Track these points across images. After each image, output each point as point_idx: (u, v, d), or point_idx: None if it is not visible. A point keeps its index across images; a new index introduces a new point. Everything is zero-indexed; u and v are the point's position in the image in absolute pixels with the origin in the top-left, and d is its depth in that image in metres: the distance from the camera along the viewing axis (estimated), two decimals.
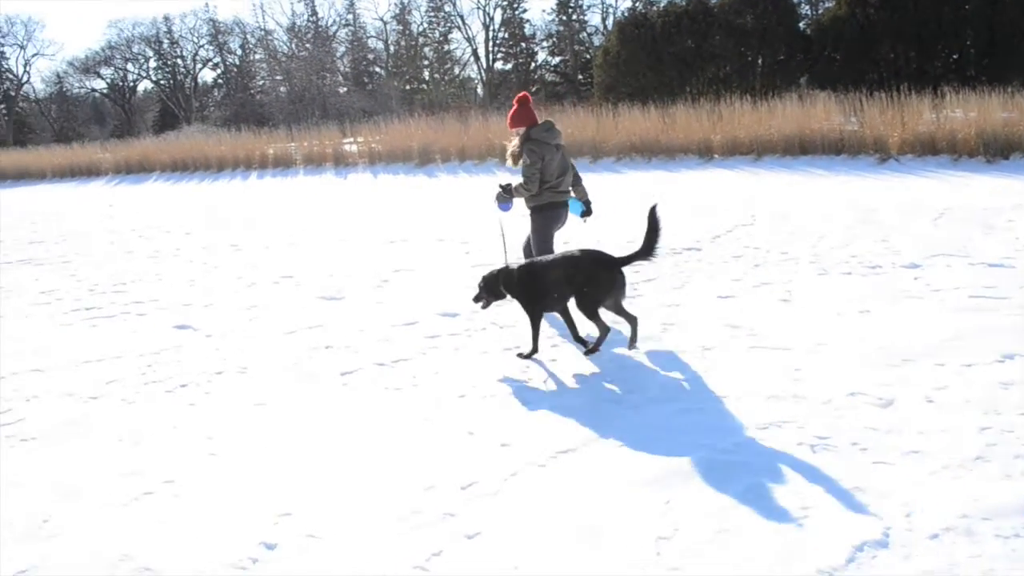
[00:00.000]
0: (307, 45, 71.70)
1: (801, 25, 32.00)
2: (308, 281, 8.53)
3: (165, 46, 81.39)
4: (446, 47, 75.97)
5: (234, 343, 6.35)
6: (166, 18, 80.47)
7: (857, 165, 15.66)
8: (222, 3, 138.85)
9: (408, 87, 74.47)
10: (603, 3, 69.04)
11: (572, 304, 5.45)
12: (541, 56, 73.89)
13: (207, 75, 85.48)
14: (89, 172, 31.69)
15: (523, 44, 72.82)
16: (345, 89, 71.48)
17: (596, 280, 5.30)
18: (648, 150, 19.53)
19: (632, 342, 5.43)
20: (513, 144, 6.48)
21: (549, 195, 6.36)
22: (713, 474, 3.68)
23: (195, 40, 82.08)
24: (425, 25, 75.42)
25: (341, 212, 15.01)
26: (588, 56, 68.38)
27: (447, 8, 74.05)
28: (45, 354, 6.47)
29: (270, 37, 76.78)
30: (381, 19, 76.11)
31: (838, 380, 4.70)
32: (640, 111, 20.79)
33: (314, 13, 76.02)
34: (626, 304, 5.52)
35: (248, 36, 79.49)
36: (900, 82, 18.20)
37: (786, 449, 3.89)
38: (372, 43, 77.88)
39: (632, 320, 5.44)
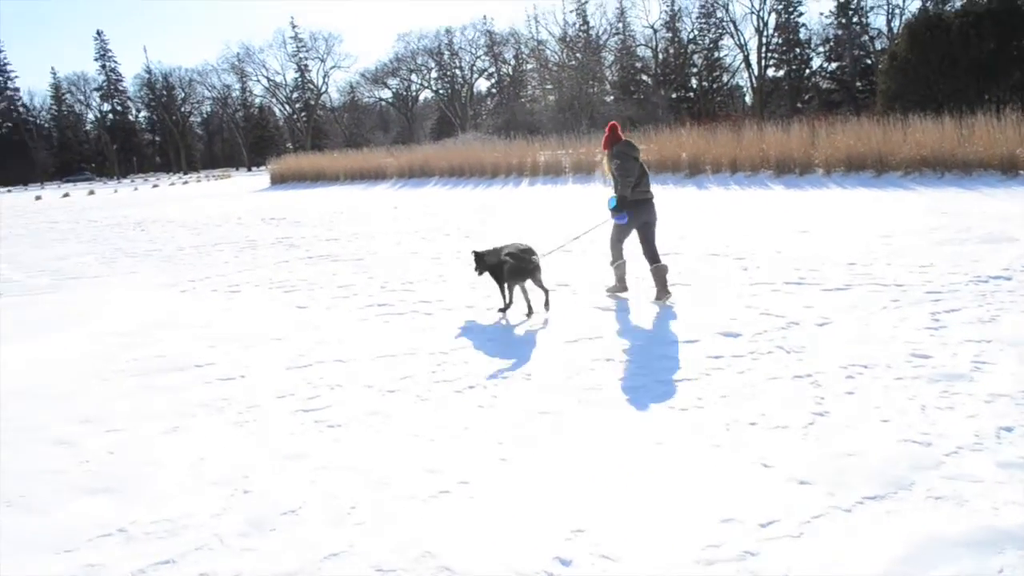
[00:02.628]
0: (577, 54, 73.27)
1: None
2: (584, 290, 8.61)
3: (446, 57, 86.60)
4: (716, 54, 74.68)
5: (517, 349, 6.51)
6: (448, 31, 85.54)
7: None
8: (499, 15, 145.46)
9: (675, 95, 73.93)
10: (889, 4, 64.59)
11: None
12: (816, 62, 70.69)
13: (481, 84, 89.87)
14: (376, 175, 34.28)
15: (797, 49, 70.08)
16: (612, 98, 72.28)
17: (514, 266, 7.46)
18: (940, 164, 18.01)
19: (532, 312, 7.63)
20: (604, 160, 8.24)
21: (636, 193, 7.77)
22: None
23: (472, 51, 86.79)
24: (695, 32, 74.55)
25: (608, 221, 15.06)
26: (869, 61, 64.52)
27: (719, 14, 72.71)
28: (346, 345, 7.00)
29: (542, 47, 79.26)
30: (651, 27, 75.89)
31: None
32: (932, 121, 19.20)
33: (585, 23, 77.57)
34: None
35: (522, 46, 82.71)
36: None
37: None
38: (640, 51, 78.11)
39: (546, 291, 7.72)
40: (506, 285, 7.70)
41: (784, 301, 7.49)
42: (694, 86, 75.76)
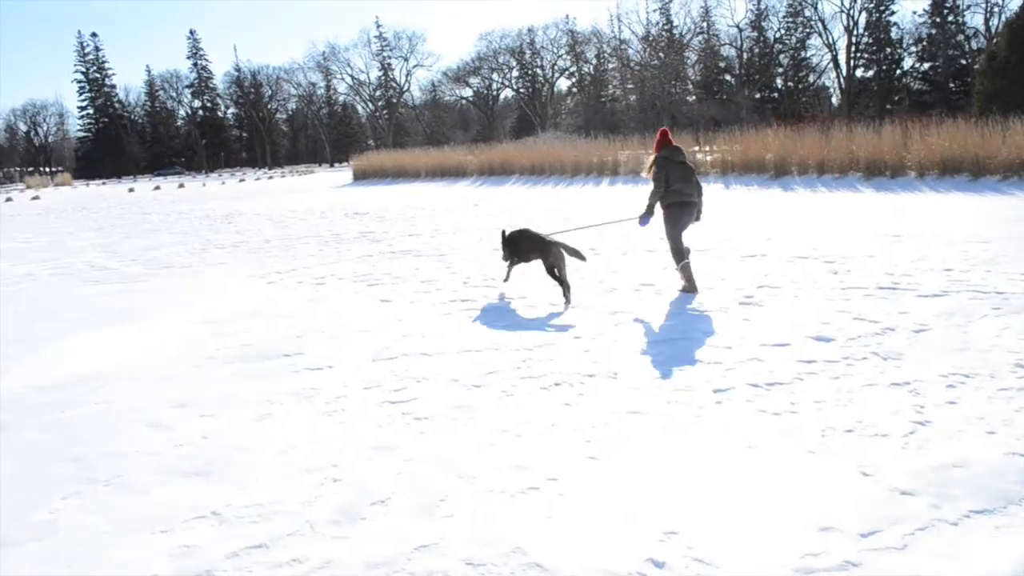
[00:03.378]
0: (660, 54, 72.51)
1: None
2: (669, 291, 8.49)
3: (527, 56, 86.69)
4: (803, 53, 73.06)
5: (602, 347, 6.45)
6: (530, 30, 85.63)
7: None
8: (581, 14, 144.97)
9: (759, 95, 72.63)
10: (987, 2, 62.21)
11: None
12: (908, 62, 68.51)
13: (562, 83, 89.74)
14: (456, 173, 34.54)
15: (888, 49, 68.04)
16: (694, 97, 71.40)
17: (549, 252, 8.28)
18: None
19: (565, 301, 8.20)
20: (648, 162, 8.55)
21: (674, 196, 8.26)
22: None
23: (554, 50, 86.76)
24: (782, 31, 73.02)
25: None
26: (964, 62, 62.31)
27: (807, 12, 71.04)
28: (430, 339, 7.04)
29: (624, 46, 78.67)
30: (736, 26, 74.56)
31: None
32: None
33: (669, 22, 76.71)
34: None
35: (604, 45, 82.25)
36: None
37: None
38: (724, 51, 76.91)
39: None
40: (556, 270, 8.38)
41: (878, 306, 7.26)
42: (779, 86, 74.22)
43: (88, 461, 4.74)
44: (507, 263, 9.11)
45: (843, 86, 70.03)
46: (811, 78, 74.72)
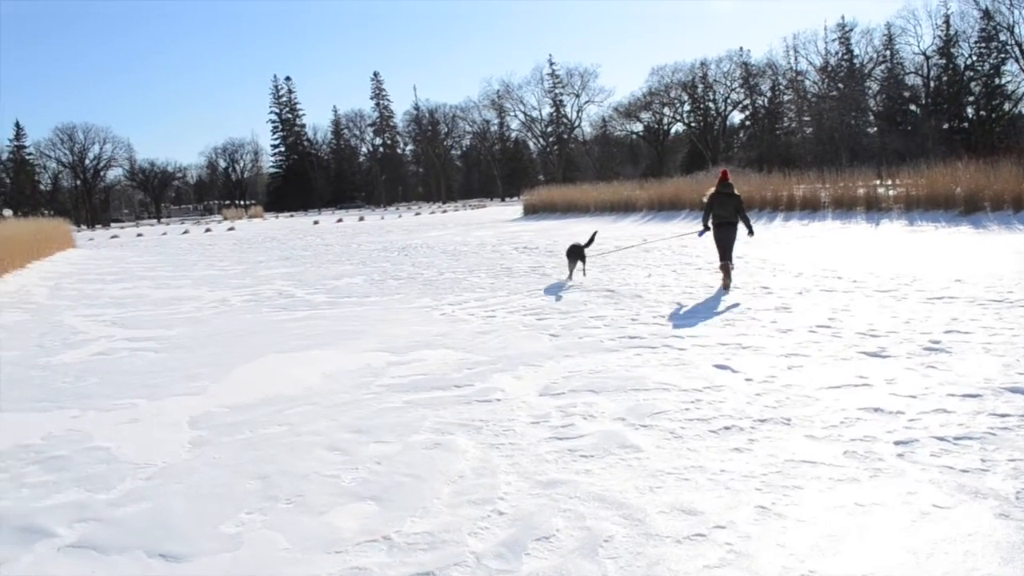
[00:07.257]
0: (839, 84, 69.97)
1: None
2: (846, 333, 8.12)
3: (699, 90, 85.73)
4: (997, 80, 68.43)
5: (774, 391, 6.23)
6: (703, 63, 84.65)
7: None
8: (756, 46, 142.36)
9: (947, 126, 68.59)
10: None
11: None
12: None
13: (735, 117, 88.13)
14: (625, 208, 34.49)
15: None
16: (875, 129, 68.34)
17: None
18: None
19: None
20: (708, 193, 12.44)
21: (717, 219, 12.02)
22: None
23: (727, 83, 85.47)
24: (974, 58, 68.72)
25: (873, 260, 14.17)
26: None
27: (1002, 37, 66.57)
28: (598, 376, 7.04)
29: (801, 77, 76.47)
30: (923, 53, 70.81)
31: None
32: None
33: (849, 51, 74.01)
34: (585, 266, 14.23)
35: (779, 77, 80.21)
36: None
37: None
38: (909, 79, 73.16)
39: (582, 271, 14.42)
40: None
41: None
42: (970, 115, 69.80)
43: (272, 480, 5.03)
44: (568, 263, 14.21)
45: None
46: (1006, 106, 69.85)
